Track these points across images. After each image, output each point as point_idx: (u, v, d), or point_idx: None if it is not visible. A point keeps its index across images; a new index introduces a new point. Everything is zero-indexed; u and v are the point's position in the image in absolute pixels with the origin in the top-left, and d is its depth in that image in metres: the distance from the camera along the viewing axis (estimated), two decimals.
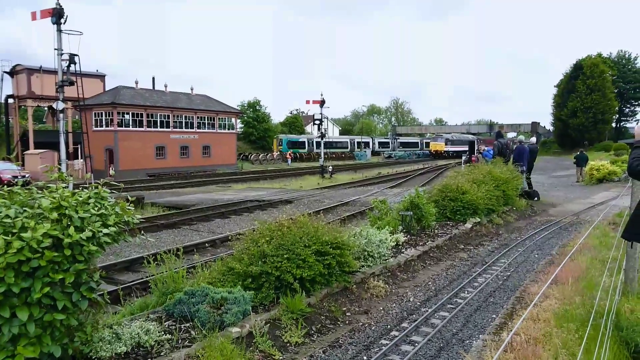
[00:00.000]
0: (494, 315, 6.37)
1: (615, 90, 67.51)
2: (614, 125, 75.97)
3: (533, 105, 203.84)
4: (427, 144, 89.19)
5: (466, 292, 7.48)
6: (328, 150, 67.26)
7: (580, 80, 61.40)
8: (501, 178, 14.73)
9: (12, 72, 43.19)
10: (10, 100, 44.38)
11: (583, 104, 60.83)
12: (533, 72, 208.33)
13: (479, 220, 12.48)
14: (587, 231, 10.69)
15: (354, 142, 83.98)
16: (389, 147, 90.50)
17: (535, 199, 18.01)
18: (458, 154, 76.25)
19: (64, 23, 21.72)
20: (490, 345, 5.07)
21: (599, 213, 14.75)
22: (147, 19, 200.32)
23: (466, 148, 78.75)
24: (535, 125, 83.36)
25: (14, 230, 3.66)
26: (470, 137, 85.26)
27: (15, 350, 3.60)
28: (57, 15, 21.32)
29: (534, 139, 21.64)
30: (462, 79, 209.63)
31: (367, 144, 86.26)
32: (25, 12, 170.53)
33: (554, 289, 6.46)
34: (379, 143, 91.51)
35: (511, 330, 5.21)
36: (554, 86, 70.57)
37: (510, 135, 77.69)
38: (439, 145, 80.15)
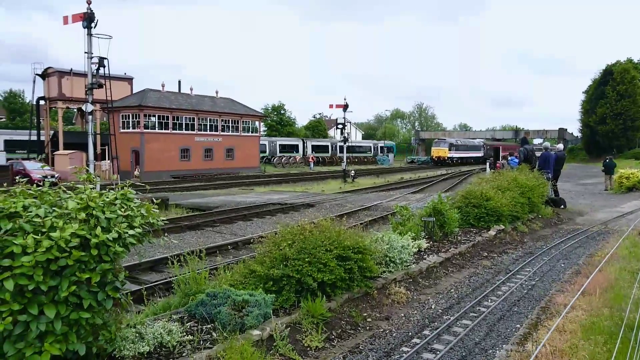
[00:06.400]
0: (518, 325, 6.24)
1: None
2: None
3: (560, 111, 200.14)
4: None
5: (489, 300, 7.35)
6: (351, 154, 66.53)
7: (610, 86, 60.09)
8: (526, 185, 14.47)
9: (44, 75, 44.40)
10: (42, 102, 45.64)
11: (612, 110, 59.48)
12: (561, 76, 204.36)
13: (503, 227, 12.28)
14: (616, 241, 10.43)
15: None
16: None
17: (562, 206, 17.63)
18: (464, 161, 69.55)
19: (94, 27, 22.26)
20: (513, 356, 4.97)
21: (628, 223, 14.36)
22: (172, 23, 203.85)
23: (475, 154, 73.36)
24: (562, 131, 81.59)
25: (44, 230, 3.76)
26: (477, 141, 79.78)
27: (42, 346, 3.68)
28: (88, 19, 21.86)
29: (560, 146, 21.21)
30: (488, 83, 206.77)
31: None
32: (46, 15, 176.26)
33: (580, 299, 6.32)
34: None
35: (536, 341, 5.11)
36: (583, 92, 69.30)
37: (537, 141, 75.73)
38: (441, 151, 68.79)
